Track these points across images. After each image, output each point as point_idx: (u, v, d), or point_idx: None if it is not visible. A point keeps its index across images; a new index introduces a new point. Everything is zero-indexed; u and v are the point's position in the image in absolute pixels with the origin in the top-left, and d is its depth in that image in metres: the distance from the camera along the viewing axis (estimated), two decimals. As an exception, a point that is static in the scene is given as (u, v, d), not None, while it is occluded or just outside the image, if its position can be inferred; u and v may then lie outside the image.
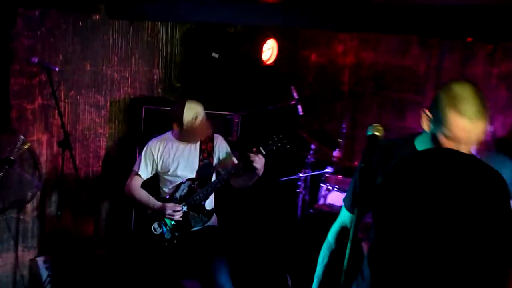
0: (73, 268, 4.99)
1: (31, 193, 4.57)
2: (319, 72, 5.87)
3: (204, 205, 4.35)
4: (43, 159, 4.85)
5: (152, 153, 4.37)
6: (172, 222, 4.26)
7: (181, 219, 4.25)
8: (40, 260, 4.95)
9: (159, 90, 5.69)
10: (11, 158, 4.36)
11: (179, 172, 4.35)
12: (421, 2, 3.78)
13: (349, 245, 1.92)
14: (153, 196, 4.37)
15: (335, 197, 4.85)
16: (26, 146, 4.47)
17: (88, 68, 5.14)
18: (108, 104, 5.34)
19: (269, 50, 5.45)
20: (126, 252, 5.20)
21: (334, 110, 5.76)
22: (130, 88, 5.48)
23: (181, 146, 4.37)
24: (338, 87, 5.73)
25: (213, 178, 4.41)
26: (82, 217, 5.30)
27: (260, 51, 5.37)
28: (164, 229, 4.27)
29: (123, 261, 5.17)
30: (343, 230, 2.49)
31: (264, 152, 4.14)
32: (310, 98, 5.60)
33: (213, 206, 4.44)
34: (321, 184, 5.02)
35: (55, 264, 4.90)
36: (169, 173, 4.37)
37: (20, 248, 4.88)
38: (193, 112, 4.21)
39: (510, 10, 3.45)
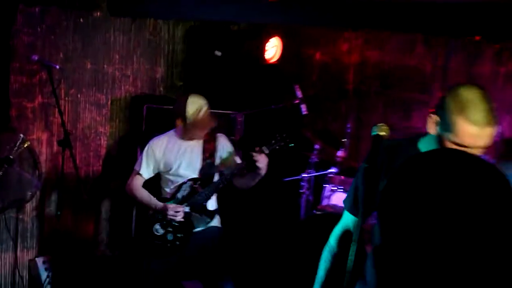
0: (73, 269, 4.98)
1: (30, 193, 4.59)
2: (324, 71, 5.84)
3: (206, 205, 4.32)
4: (43, 158, 4.85)
5: (154, 152, 4.34)
6: (174, 223, 4.22)
7: (183, 220, 4.21)
8: (39, 260, 4.94)
9: (161, 89, 5.69)
10: (11, 157, 4.38)
11: (181, 172, 4.32)
12: (427, 0, 3.74)
13: (354, 247, 1.91)
14: (154, 196, 4.33)
15: (339, 198, 4.82)
16: (25, 145, 4.49)
17: (89, 66, 5.14)
18: (109, 102, 5.34)
19: (273, 49, 5.46)
20: (127, 253, 5.19)
21: (339, 109, 5.74)
22: (132, 86, 5.48)
23: (184, 145, 4.34)
24: (343, 86, 5.71)
25: (216, 178, 4.36)
26: (82, 217, 5.29)
27: (263, 50, 5.37)
28: (166, 230, 4.23)
29: (124, 262, 5.15)
30: (346, 233, 2.46)
31: (267, 152, 4.12)
32: (314, 97, 5.58)
33: (216, 207, 4.41)
34: (325, 185, 5.00)
35: (55, 265, 4.89)
36: (171, 172, 4.33)
37: (19, 249, 4.88)
38: (196, 105, 4.20)
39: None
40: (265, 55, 5.38)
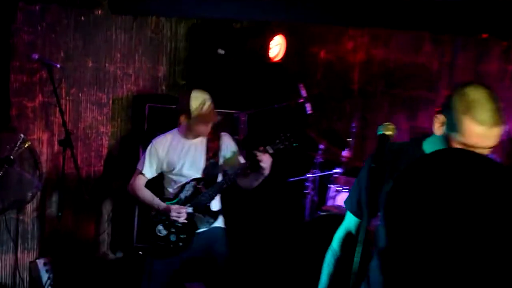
0: (74, 270, 4.99)
1: (31, 193, 4.59)
2: (328, 70, 5.83)
3: (209, 206, 4.29)
4: (43, 158, 4.85)
5: (157, 150, 4.31)
6: (177, 224, 4.18)
7: (186, 221, 4.18)
8: (40, 262, 4.94)
9: (163, 88, 5.70)
10: (11, 157, 4.38)
11: (184, 171, 4.28)
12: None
13: (359, 248, 1.92)
14: (157, 197, 4.30)
15: (344, 199, 4.77)
16: (26, 145, 4.49)
17: (90, 64, 5.14)
18: (110, 101, 5.34)
19: (277, 47, 5.48)
20: (130, 254, 5.17)
21: (344, 108, 5.73)
22: (133, 85, 5.48)
23: (187, 144, 4.31)
24: (348, 85, 5.70)
25: (219, 178, 4.34)
26: (83, 217, 5.29)
27: (267, 48, 5.39)
28: (169, 231, 4.20)
29: (127, 263, 5.14)
30: (348, 236, 2.45)
31: (271, 151, 4.09)
32: (318, 96, 5.58)
33: (220, 207, 4.39)
34: (330, 185, 4.99)
35: (56, 266, 4.89)
36: (174, 172, 4.30)
37: (19, 250, 4.89)
38: (199, 99, 4.17)
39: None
40: (269, 54, 5.39)
